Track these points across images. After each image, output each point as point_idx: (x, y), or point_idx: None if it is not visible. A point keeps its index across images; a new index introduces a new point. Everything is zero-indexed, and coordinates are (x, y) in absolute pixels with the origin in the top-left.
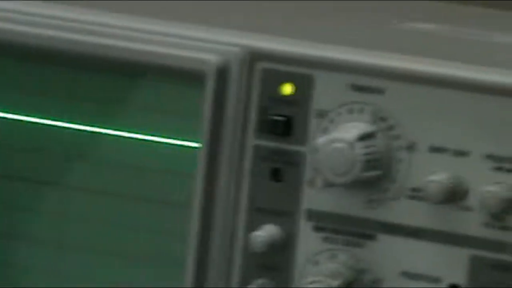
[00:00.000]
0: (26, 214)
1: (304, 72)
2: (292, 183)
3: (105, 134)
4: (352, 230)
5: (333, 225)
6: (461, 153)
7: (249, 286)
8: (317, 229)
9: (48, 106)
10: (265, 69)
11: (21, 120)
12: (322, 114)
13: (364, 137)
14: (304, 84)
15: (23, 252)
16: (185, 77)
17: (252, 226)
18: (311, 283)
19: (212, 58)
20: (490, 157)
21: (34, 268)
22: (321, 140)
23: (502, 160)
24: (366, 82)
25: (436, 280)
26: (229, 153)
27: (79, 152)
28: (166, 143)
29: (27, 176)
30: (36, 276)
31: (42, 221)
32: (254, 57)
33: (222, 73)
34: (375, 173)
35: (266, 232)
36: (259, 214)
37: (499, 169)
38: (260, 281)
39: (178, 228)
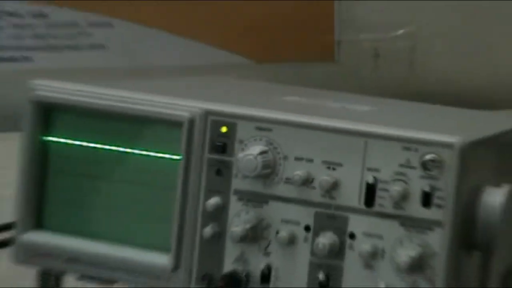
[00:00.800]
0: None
1: (232, 121)
2: (227, 176)
3: (129, 153)
4: (256, 199)
5: (247, 197)
6: (309, 160)
7: (204, 229)
8: (239, 199)
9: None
10: (212, 119)
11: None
12: (241, 141)
13: (262, 153)
14: (232, 127)
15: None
16: (172, 124)
17: (206, 198)
18: (235, 227)
19: (186, 114)
20: (325, 162)
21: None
22: (240, 154)
23: (331, 163)
24: (264, 126)
25: (298, 223)
26: (195, 162)
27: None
28: (160, 157)
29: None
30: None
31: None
32: (207, 114)
33: (191, 122)
34: (267, 171)
35: (214, 201)
36: (210, 192)
37: (328, 168)
38: (211, 225)
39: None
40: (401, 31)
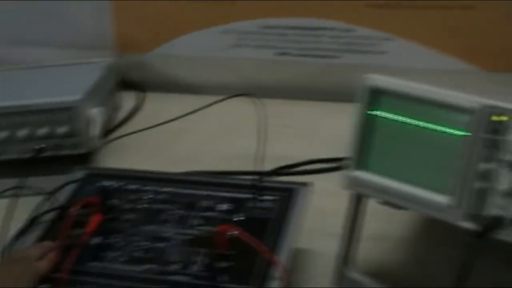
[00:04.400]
0: None
1: (505, 113)
2: (498, 150)
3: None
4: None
5: None
6: None
7: (475, 183)
8: (507, 166)
9: None
10: (489, 111)
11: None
12: None
13: None
14: (506, 117)
15: None
16: (462, 111)
17: (481, 163)
18: (501, 185)
19: (477, 105)
20: None
21: None
22: None
23: None
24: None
25: None
26: (476, 139)
27: None
28: (448, 132)
29: None
30: None
31: None
32: (486, 107)
33: (478, 111)
34: None
35: (486, 166)
36: (484, 160)
37: None
38: (480, 181)
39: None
40: None
